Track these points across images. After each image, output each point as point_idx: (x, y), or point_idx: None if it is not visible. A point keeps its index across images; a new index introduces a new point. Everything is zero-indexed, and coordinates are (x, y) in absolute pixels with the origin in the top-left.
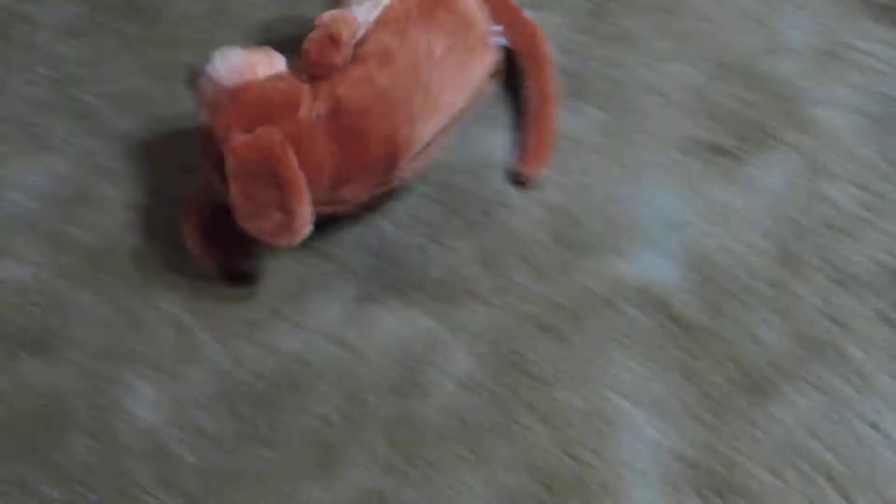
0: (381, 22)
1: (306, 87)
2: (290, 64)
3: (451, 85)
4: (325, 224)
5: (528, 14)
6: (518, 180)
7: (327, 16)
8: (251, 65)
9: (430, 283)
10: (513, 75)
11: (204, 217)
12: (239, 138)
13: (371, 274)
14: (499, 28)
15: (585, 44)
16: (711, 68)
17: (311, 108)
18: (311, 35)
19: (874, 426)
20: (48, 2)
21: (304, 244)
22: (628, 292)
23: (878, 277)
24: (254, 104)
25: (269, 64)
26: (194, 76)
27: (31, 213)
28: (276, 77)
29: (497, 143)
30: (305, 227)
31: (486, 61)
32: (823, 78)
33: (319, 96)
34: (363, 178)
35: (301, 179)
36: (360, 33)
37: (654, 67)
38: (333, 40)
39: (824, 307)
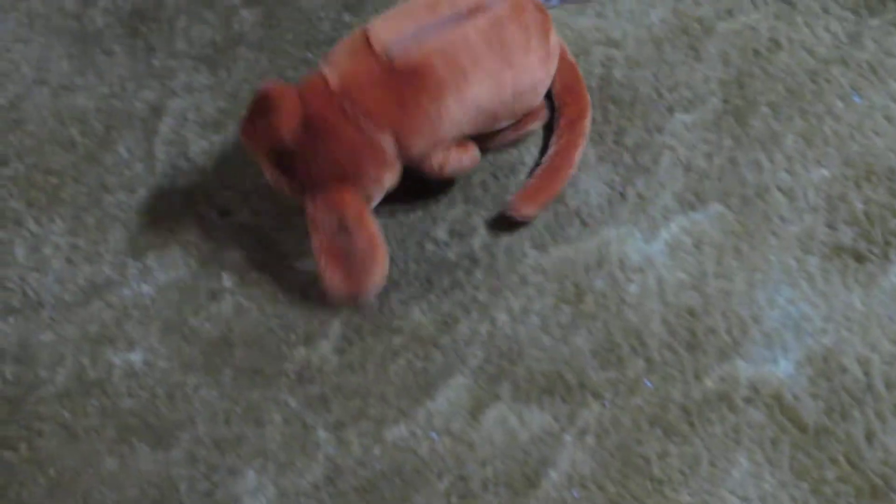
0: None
1: None
2: None
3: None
4: (445, 321)
5: (570, 56)
6: (508, 216)
7: None
8: None
9: (544, 377)
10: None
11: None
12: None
13: (482, 364)
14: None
15: (718, 143)
16: (853, 174)
17: None
18: None
19: None
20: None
21: (417, 334)
22: (747, 392)
23: None
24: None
25: None
26: None
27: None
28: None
29: (612, 237)
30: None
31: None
32: None
33: None
34: (364, 82)
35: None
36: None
37: (795, 171)
38: None
39: None
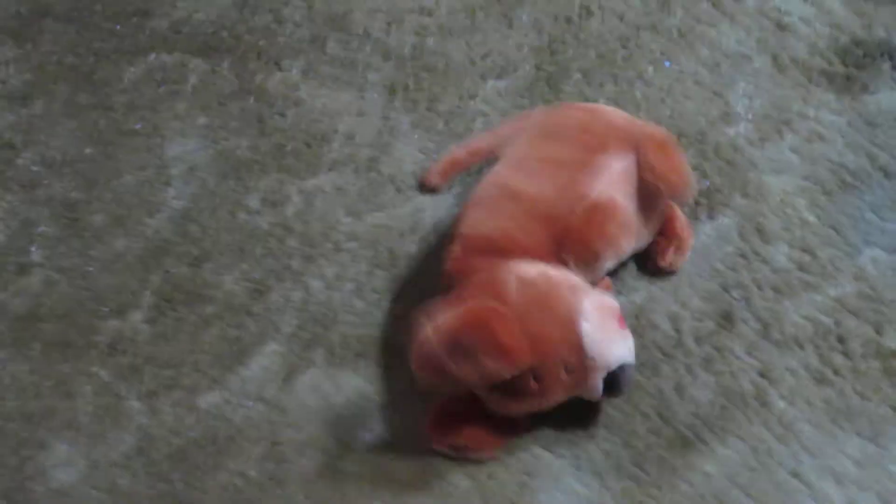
0: None
1: None
2: None
3: None
4: (257, 289)
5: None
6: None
7: None
8: None
9: (358, 341)
10: None
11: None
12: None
13: (295, 331)
14: None
15: (530, 108)
16: None
17: None
18: None
19: (795, 474)
20: None
21: (230, 303)
22: None
23: (808, 334)
24: None
25: None
26: None
27: None
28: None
29: (426, 203)
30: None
31: None
32: (772, 145)
33: None
34: None
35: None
36: None
37: None
38: None
39: (753, 362)
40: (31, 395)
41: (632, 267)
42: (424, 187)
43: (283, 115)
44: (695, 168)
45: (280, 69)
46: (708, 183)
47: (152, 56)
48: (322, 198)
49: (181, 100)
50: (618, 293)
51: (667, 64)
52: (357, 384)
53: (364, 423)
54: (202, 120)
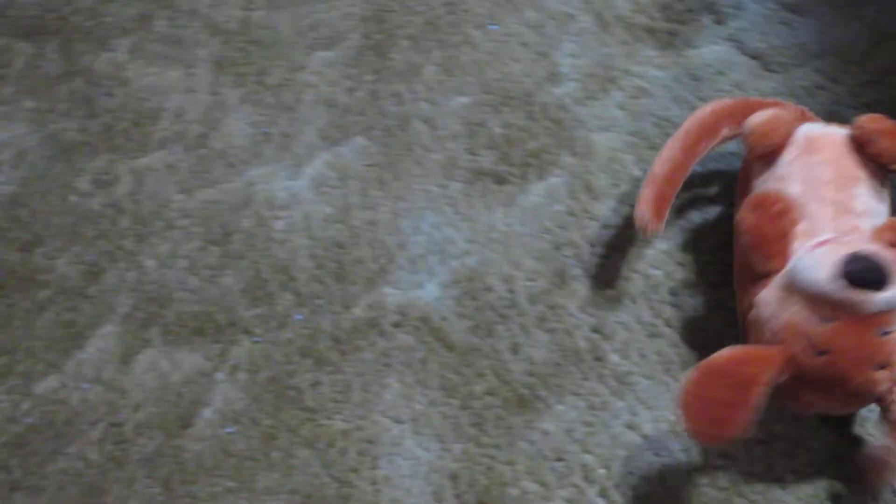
0: None
1: None
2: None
3: None
4: (91, 271)
5: None
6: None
7: None
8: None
9: (194, 318)
10: None
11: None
12: None
13: (131, 311)
14: None
15: (359, 77)
16: (491, 100)
17: None
18: None
19: (631, 427)
20: None
21: (63, 287)
22: (396, 317)
23: (640, 288)
24: None
25: None
26: None
27: None
28: None
29: (258, 176)
30: None
31: None
32: (599, 103)
33: None
34: None
35: None
36: None
37: (435, 101)
38: None
39: (587, 318)
40: None
41: (465, 231)
42: (646, 235)
43: (111, 95)
44: (522, 130)
45: (107, 49)
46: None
47: None
48: (153, 176)
49: (7, 84)
50: (451, 257)
51: (493, 27)
52: (195, 361)
53: (203, 400)
54: (29, 104)
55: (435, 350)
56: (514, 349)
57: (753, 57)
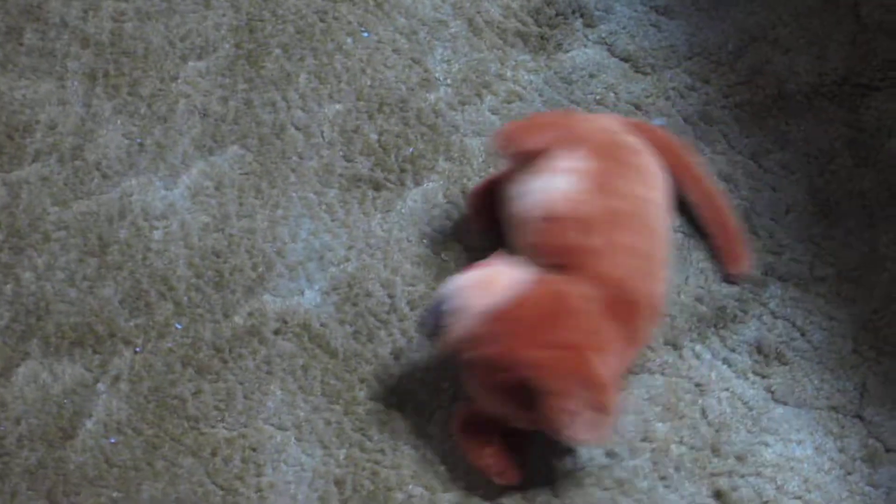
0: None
1: (561, 278)
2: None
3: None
4: None
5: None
6: (735, 281)
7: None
8: (491, 280)
9: (73, 330)
10: None
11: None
12: (544, 355)
13: (9, 324)
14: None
15: (233, 87)
16: (366, 107)
17: (582, 296)
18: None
19: None
20: None
21: None
22: (276, 325)
23: None
24: (532, 317)
25: (506, 269)
26: (432, 327)
27: None
28: (529, 281)
29: (133, 186)
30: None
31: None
32: (473, 108)
33: (581, 281)
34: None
35: (607, 375)
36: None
37: (310, 109)
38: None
39: None
40: None
41: (343, 237)
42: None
43: None
44: (398, 136)
45: None
46: (412, 150)
47: None
48: (27, 189)
49: None
50: (330, 264)
51: (365, 34)
52: (75, 372)
53: (85, 411)
54: None
55: (316, 356)
56: (396, 354)
57: (624, 59)
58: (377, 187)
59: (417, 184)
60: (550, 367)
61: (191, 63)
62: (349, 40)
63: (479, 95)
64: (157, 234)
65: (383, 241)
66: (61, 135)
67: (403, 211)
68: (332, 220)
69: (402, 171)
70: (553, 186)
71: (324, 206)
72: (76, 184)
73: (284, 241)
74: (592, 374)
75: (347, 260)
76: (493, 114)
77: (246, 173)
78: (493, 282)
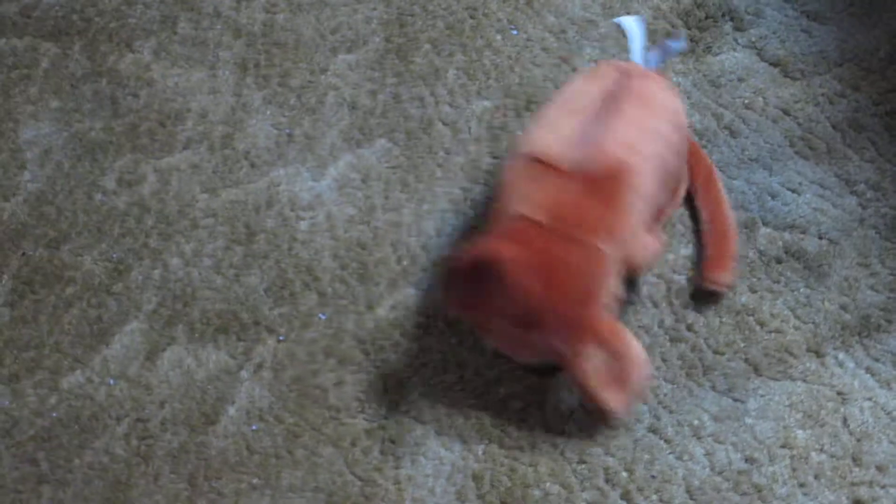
0: None
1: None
2: None
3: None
4: (117, 269)
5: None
6: (710, 290)
7: None
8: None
9: (218, 317)
10: None
11: None
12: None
13: (157, 308)
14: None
15: (382, 80)
16: (514, 104)
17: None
18: None
19: (653, 430)
20: None
21: (89, 283)
22: (418, 318)
23: (663, 293)
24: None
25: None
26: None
27: None
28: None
29: (281, 176)
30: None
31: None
32: None
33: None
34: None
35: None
36: None
37: (457, 104)
38: None
39: None
40: None
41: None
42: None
43: (135, 95)
44: None
45: (131, 50)
46: None
47: (2, 41)
48: (177, 176)
49: (33, 84)
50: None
51: (514, 32)
52: (219, 359)
53: (228, 398)
54: (55, 103)
55: (458, 352)
56: None
57: (774, 64)
58: None
59: None
60: (555, 332)
61: (340, 56)
62: (498, 37)
63: None
64: (303, 225)
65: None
66: (212, 123)
67: None
68: (477, 216)
69: None
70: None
71: (469, 202)
72: (225, 172)
73: (430, 235)
74: (596, 325)
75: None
76: None
77: (393, 167)
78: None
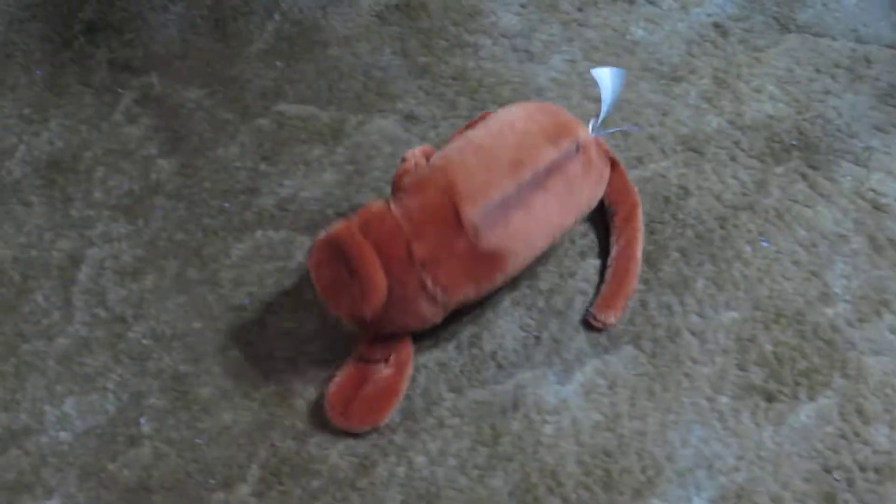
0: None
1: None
2: None
3: (557, 203)
4: (362, 463)
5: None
6: (592, 325)
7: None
8: None
9: None
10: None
11: None
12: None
13: None
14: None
15: (636, 289)
16: (763, 316)
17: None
18: None
19: None
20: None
21: (335, 477)
22: None
23: None
24: None
25: None
26: None
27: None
28: None
29: (527, 379)
30: (380, 294)
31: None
32: (871, 326)
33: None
34: (447, 257)
35: (367, 248)
36: None
37: (706, 314)
38: None
39: None
40: None
41: (733, 447)
42: None
43: None
44: (793, 348)
45: None
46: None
47: (259, 233)
48: (425, 373)
49: (288, 276)
50: (719, 473)
51: (764, 244)
52: None
53: None
54: (308, 296)
55: None
56: None
57: None
58: (769, 398)
59: (811, 399)
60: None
61: (589, 260)
62: (748, 249)
63: (878, 313)
64: (548, 429)
65: (774, 454)
66: (462, 324)
67: (795, 425)
68: (723, 429)
69: (797, 384)
70: None
71: (715, 414)
72: (472, 372)
73: (674, 445)
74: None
75: (737, 470)
76: (891, 333)
77: (639, 374)
78: None
